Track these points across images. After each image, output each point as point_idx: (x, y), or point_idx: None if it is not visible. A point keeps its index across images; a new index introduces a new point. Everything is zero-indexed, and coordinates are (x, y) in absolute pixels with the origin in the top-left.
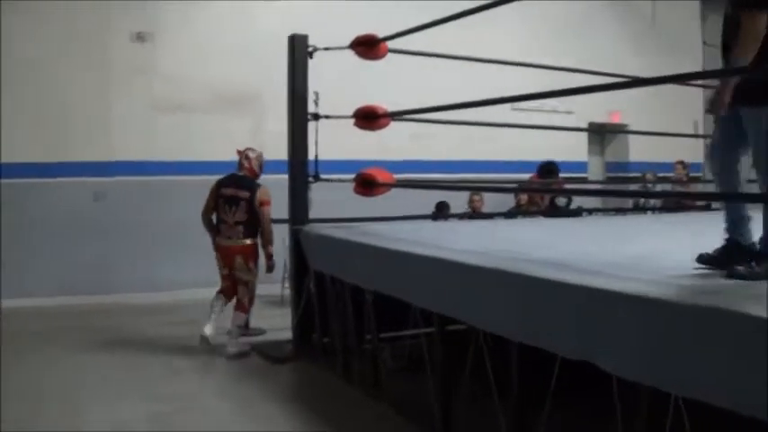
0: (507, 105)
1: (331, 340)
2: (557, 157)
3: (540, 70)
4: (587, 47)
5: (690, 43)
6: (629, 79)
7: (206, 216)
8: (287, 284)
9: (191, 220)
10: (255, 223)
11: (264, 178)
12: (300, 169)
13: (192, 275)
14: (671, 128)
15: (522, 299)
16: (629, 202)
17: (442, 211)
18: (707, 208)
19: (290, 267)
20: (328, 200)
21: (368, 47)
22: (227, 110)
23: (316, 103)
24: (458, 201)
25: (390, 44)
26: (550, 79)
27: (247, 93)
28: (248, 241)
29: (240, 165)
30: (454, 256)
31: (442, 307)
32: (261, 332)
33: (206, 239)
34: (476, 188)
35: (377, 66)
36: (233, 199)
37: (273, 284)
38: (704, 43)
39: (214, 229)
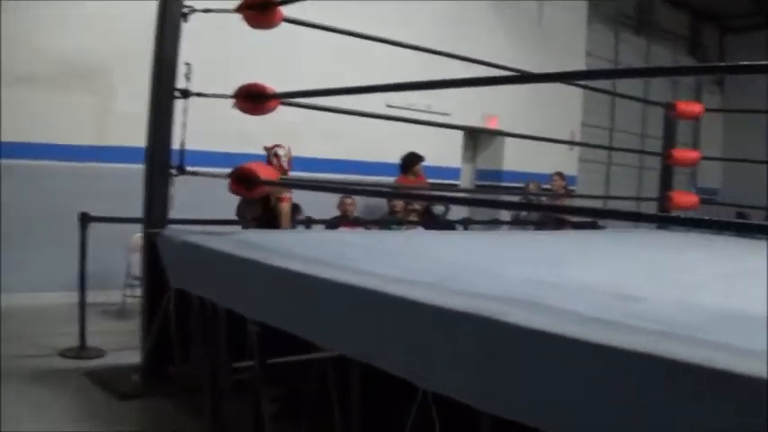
0: (381, 103)
1: (193, 374)
2: (429, 161)
3: (418, 69)
4: (475, 48)
5: (575, 51)
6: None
7: None
8: (128, 292)
9: (20, 211)
10: (272, 221)
11: (109, 168)
12: (161, 158)
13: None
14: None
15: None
16: (507, 215)
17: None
18: (592, 225)
19: (143, 279)
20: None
21: (259, 11)
22: (73, 86)
23: (187, 77)
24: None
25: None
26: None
27: (97, 66)
28: None
29: (268, 162)
30: (399, 290)
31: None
32: (99, 354)
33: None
34: (373, 193)
35: (259, 38)
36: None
37: (110, 291)
38: (588, 54)
39: None
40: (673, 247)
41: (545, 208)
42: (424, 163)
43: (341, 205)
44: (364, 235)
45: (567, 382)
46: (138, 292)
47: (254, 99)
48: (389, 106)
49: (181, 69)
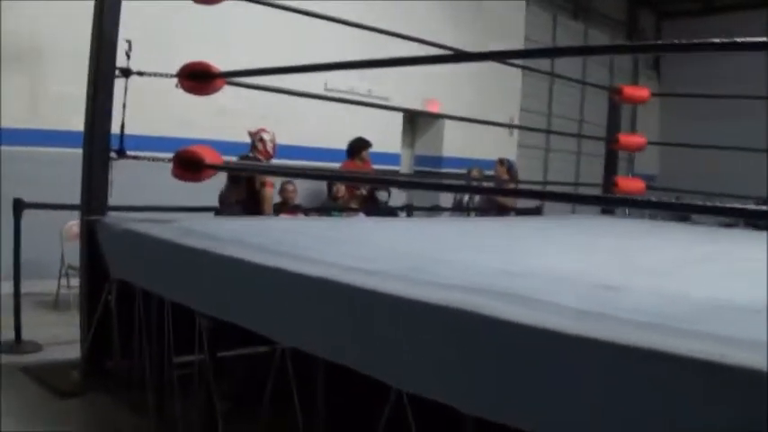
0: (320, 87)
1: (137, 369)
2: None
3: (359, 52)
4: (414, 31)
5: (515, 35)
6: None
7: None
8: (63, 282)
9: None
10: (256, 205)
11: (44, 152)
12: (100, 141)
13: None
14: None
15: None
16: (448, 201)
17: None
18: (537, 212)
19: (81, 269)
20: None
21: None
22: (4, 68)
23: (127, 55)
24: None
25: None
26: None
27: (27, 47)
28: None
29: (253, 146)
30: (360, 281)
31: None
32: (36, 348)
33: None
34: (332, 177)
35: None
36: (235, 178)
37: (45, 280)
38: (526, 38)
39: None
40: (627, 234)
41: (501, 192)
42: None
43: (282, 192)
44: (313, 222)
45: (560, 379)
46: (75, 281)
47: (198, 78)
48: (329, 90)
49: (121, 47)
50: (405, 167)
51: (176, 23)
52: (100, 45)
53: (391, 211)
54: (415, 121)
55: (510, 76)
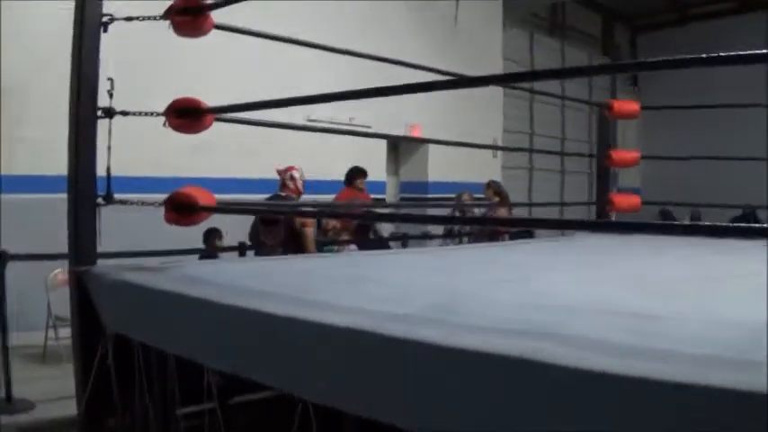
0: (300, 117)
1: (140, 425)
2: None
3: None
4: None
5: (492, 54)
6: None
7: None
8: (51, 334)
9: None
10: (297, 246)
11: (20, 200)
12: (86, 186)
13: None
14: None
15: None
16: (438, 228)
17: (209, 241)
18: (528, 234)
19: (73, 323)
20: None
21: (191, 16)
22: None
23: (110, 94)
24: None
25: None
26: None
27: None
28: None
29: (283, 185)
30: (401, 330)
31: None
32: (28, 406)
33: None
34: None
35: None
36: (273, 221)
37: (31, 332)
38: (505, 58)
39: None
40: (636, 253)
41: (505, 222)
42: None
43: (325, 227)
44: (313, 261)
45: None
46: (62, 332)
47: (187, 115)
48: (310, 120)
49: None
50: (390, 195)
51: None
52: (80, 84)
53: (384, 242)
54: (399, 148)
55: (491, 97)
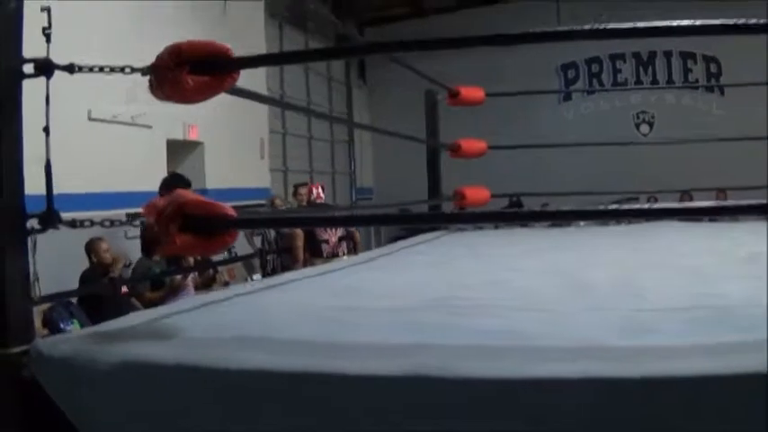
0: (84, 116)
1: None
2: (137, 183)
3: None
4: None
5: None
6: None
7: None
8: None
9: None
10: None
11: None
12: (10, 198)
13: None
14: (242, 146)
15: None
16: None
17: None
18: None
19: None
20: None
21: None
22: None
23: (47, 35)
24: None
25: None
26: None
27: None
28: None
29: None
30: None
31: None
32: None
33: None
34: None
35: None
36: None
37: None
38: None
39: None
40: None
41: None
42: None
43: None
44: (301, 290)
45: None
46: None
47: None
48: (93, 120)
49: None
50: None
51: None
52: None
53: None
54: (176, 151)
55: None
